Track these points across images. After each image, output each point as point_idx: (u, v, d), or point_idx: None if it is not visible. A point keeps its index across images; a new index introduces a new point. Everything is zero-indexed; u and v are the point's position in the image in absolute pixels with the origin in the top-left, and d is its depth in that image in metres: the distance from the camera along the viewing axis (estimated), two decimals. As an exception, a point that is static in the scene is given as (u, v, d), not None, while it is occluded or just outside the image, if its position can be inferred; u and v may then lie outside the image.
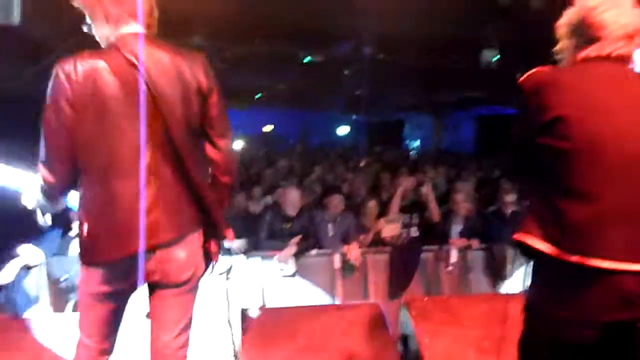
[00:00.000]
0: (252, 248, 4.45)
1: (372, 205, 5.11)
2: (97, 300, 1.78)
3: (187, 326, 1.86)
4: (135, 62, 1.68)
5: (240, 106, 19.70)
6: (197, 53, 1.84)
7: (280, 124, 21.13)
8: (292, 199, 4.55)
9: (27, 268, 3.77)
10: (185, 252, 1.76)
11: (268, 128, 22.46)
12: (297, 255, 4.44)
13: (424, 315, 2.97)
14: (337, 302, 4.47)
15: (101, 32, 1.79)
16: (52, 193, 1.78)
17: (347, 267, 4.63)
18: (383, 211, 5.09)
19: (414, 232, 5.16)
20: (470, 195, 5.66)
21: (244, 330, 2.64)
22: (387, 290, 4.75)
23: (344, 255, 4.61)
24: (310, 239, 4.57)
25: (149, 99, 1.69)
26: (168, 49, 1.78)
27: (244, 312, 2.74)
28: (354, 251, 4.60)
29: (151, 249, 1.70)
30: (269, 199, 5.82)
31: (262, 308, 2.86)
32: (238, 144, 18.27)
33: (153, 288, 1.83)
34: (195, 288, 1.86)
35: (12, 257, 3.73)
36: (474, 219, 5.12)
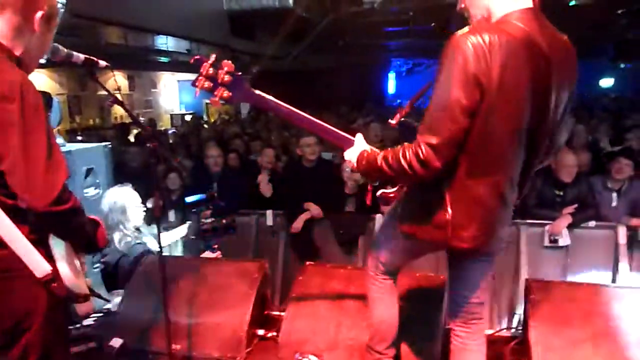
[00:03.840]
0: (519, 216, 4.19)
1: (670, 171, 4.24)
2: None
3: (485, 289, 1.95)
4: (544, 49, 1.53)
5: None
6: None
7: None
8: (568, 163, 4.07)
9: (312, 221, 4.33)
10: None
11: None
12: (572, 227, 4.02)
13: None
14: (620, 282, 3.91)
15: (481, 3, 1.63)
16: (421, 175, 1.56)
17: (634, 243, 4.00)
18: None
19: None
20: None
21: (531, 301, 2.49)
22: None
23: (632, 230, 3.99)
24: (589, 209, 4.05)
25: (544, 89, 1.57)
26: (557, 31, 1.62)
27: (529, 283, 2.58)
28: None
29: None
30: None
31: (550, 282, 2.64)
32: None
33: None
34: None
35: (301, 211, 4.33)
36: None
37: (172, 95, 15.29)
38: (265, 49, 9.00)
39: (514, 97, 1.53)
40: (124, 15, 5.59)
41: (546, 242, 4.02)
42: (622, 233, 4.00)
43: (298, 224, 4.30)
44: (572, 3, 8.16)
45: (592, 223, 4.06)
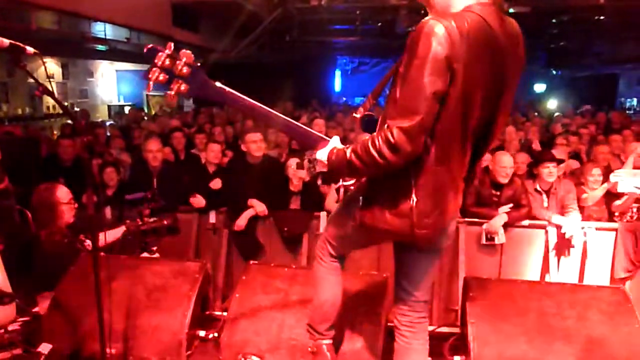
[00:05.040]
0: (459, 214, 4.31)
1: (595, 173, 4.52)
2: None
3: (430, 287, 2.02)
4: (502, 44, 1.57)
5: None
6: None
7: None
8: (504, 164, 4.25)
9: (256, 219, 4.27)
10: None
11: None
12: (507, 226, 4.19)
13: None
14: (550, 279, 4.13)
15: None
16: (392, 162, 1.55)
17: (563, 241, 4.23)
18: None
19: (647, 207, 4.44)
20: None
21: (469, 298, 2.57)
22: (612, 273, 4.23)
23: (559, 229, 4.21)
24: (523, 209, 4.24)
25: (499, 83, 1.62)
26: (512, 21, 1.67)
27: (467, 280, 2.66)
28: (572, 224, 4.15)
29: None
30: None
31: (487, 279, 2.74)
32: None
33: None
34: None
35: (244, 209, 4.25)
36: None
37: (110, 85, 14.63)
38: (209, 42, 8.78)
39: (477, 84, 1.55)
40: (57, -1, 5.27)
41: (483, 241, 4.17)
42: (553, 232, 4.22)
43: (242, 222, 4.22)
44: (511, 10, 8.53)
45: (526, 222, 4.25)
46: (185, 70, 1.62)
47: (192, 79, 1.64)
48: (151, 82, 1.62)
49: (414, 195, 1.63)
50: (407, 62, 1.53)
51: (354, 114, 1.93)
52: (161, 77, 1.61)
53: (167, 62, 1.61)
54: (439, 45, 1.46)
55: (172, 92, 1.64)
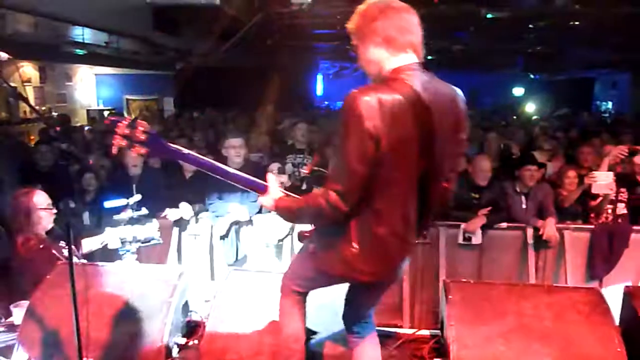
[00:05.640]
0: (438, 217, 4.35)
1: (571, 175, 4.61)
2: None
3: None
4: (427, 103, 1.69)
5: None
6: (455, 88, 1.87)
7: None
8: (483, 168, 4.31)
9: (237, 224, 4.24)
10: None
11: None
12: (486, 227, 4.25)
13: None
14: (528, 281, 4.19)
15: (375, 56, 1.80)
16: (333, 217, 1.73)
17: (541, 243, 4.30)
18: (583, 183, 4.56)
19: (621, 209, 4.54)
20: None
21: (448, 301, 2.59)
22: (587, 273, 4.31)
23: (537, 230, 4.28)
24: (502, 211, 4.30)
25: (429, 138, 1.73)
26: (442, 82, 1.81)
27: (446, 283, 2.68)
28: (549, 226, 4.23)
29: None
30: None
31: (466, 281, 2.77)
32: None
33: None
34: None
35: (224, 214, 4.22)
36: None
37: (89, 89, 14.43)
38: (190, 45, 8.72)
39: (404, 148, 1.69)
40: (34, 2, 5.18)
41: (460, 240, 4.22)
42: (530, 234, 4.29)
43: (223, 227, 4.19)
44: (489, 15, 8.65)
45: (504, 224, 4.32)
46: (143, 137, 1.87)
47: (150, 143, 1.89)
48: (114, 147, 1.89)
49: (354, 244, 1.79)
50: (338, 132, 1.71)
51: (302, 170, 2.16)
52: (123, 143, 1.88)
53: (127, 130, 1.87)
54: (360, 118, 1.61)
55: (134, 155, 1.97)
